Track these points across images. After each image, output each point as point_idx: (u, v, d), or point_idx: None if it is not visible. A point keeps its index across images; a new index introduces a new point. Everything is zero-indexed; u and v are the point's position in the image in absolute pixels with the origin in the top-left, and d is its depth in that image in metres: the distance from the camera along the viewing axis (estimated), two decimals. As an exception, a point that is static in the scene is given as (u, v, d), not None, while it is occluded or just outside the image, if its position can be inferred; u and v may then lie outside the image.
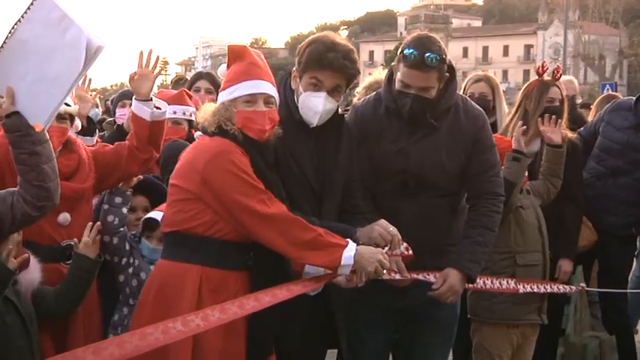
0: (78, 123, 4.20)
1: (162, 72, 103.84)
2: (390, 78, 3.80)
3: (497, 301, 4.37)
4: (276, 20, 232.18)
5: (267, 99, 3.32)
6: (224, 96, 3.36)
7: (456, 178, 3.81)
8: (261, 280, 3.21)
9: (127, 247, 3.83)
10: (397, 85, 3.70)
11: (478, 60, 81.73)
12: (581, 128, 5.69)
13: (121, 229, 3.85)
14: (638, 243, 6.11)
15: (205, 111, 3.39)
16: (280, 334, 3.43)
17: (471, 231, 3.79)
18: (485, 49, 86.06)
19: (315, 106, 3.47)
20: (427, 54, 3.54)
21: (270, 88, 3.34)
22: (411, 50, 3.57)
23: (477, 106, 3.97)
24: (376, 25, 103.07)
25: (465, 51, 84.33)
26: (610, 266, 5.41)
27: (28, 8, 2.99)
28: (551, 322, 4.65)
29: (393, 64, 3.79)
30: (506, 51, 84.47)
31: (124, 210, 3.89)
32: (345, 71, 3.48)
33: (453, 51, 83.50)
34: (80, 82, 4.66)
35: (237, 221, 3.19)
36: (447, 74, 3.72)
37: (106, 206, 3.90)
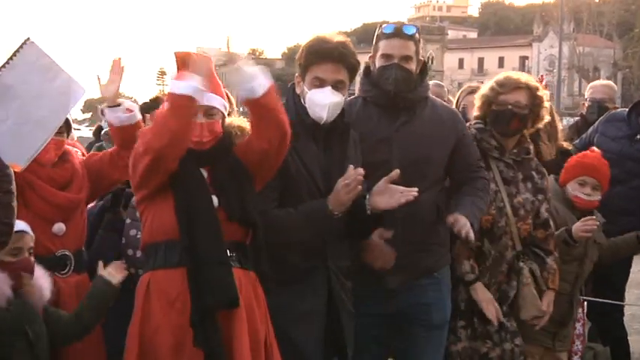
0: (74, 134, 4.19)
1: (160, 82, 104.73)
2: (367, 71, 3.92)
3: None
4: (273, 31, 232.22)
5: (208, 110, 3.29)
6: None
7: (440, 170, 3.90)
8: (197, 280, 3.17)
9: None
10: (379, 63, 3.84)
11: (474, 71, 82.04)
12: (576, 140, 5.69)
13: None
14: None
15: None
16: (299, 339, 3.46)
17: (469, 195, 3.88)
18: (481, 61, 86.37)
19: (320, 100, 3.46)
20: (404, 26, 3.84)
21: (210, 99, 3.29)
22: (390, 24, 3.84)
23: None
24: (372, 36, 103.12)
25: (461, 62, 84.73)
26: (606, 277, 5.38)
27: (14, 55, 3.00)
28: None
29: (370, 55, 3.91)
30: (501, 62, 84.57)
31: None
32: (344, 60, 3.50)
33: (448, 62, 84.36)
34: None
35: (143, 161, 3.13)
36: (422, 60, 3.92)
37: (128, 220, 3.90)
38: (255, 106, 3.24)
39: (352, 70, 3.57)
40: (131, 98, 6.17)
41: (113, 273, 3.45)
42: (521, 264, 4.29)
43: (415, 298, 3.86)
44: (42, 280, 3.31)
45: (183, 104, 3.09)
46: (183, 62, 3.31)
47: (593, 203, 4.63)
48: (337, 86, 3.49)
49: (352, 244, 3.64)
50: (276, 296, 3.42)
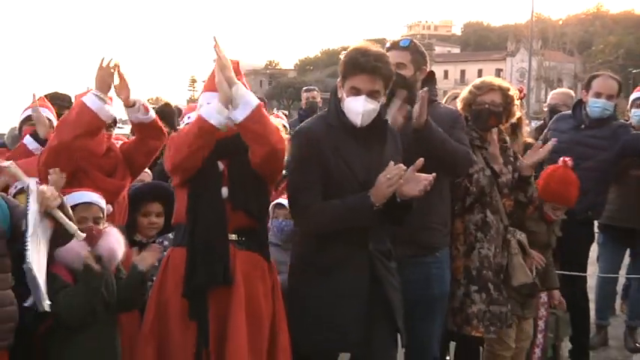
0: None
1: (191, 88, 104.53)
2: None
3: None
4: (287, 45, 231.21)
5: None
6: (205, 98, 3.37)
7: None
8: (192, 260, 3.17)
9: None
10: None
11: (457, 81, 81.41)
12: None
13: None
14: (596, 232, 6.11)
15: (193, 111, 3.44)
16: (341, 321, 3.30)
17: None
18: (463, 72, 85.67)
19: (356, 108, 3.31)
20: (401, 40, 3.91)
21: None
22: (391, 40, 3.93)
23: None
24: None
25: (446, 73, 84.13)
26: (573, 254, 5.31)
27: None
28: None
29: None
30: (480, 74, 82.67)
31: None
32: (379, 72, 3.30)
33: (436, 73, 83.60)
34: None
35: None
36: (426, 69, 3.92)
37: None
38: (240, 128, 3.16)
39: (387, 79, 3.36)
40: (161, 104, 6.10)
41: (144, 258, 3.32)
42: (509, 236, 4.31)
43: (420, 274, 3.81)
44: (115, 244, 3.27)
45: (212, 130, 3.11)
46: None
47: (555, 219, 4.74)
48: (372, 95, 3.32)
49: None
50: (318, 282, 3.34)
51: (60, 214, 2.96)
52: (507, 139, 4.38)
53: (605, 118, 5.39)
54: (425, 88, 3.67)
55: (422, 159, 3.27)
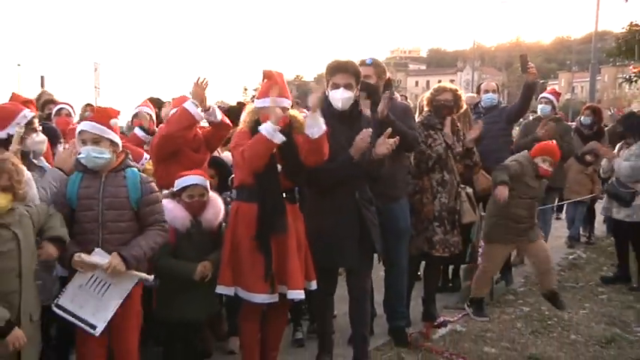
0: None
1: (243, 94, 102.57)
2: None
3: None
4: (309, 63, 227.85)
5: (282, 109, 3.15)
6: (258, 103, 3.22)
7: None
8: (261, 213, 3.10)
9: None
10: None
11: (424, 88, 79.63)
12: None
13: None
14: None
15: (247, 110, 3.32)
16: (337, 238, 3.32)
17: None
18: (428, 82, 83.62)
19: (336, 96, 3.37)
20: (367, 59, 3.78)
21: (283, 102, 3.17)
22: (365, 60, 3.76)
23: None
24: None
25: (417, 83, 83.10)
26: (494, 201, 5.18)
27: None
28: (463, 235, 4.54)
29: (361, 79, 3.68)
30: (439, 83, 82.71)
31: None
32: (350, 70, 3.35)
33: (409, 83, 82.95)
34: None
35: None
36: (385, 77, 3.86)
37: None
38: (308, 142, 3.10)
39: (357, 75, 3.39)
40: (227, 105, 5.90)
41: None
42: (460, 189, 4.30)
43: (389, 215, 3.79)
44: (215, 213, 3.32)
45: (272, 145, 3.02)
46: (267, 77, 3.23)
47: (548, 172, 4.48)
48: (347, 87, 3.34)
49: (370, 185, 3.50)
50: (324, 220, 3.33)
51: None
52: (459, 124, 4.39)
53: (494, 106, 5.58)
54: (388, 91, 3.67)
55: (390, 129, 3.30)
